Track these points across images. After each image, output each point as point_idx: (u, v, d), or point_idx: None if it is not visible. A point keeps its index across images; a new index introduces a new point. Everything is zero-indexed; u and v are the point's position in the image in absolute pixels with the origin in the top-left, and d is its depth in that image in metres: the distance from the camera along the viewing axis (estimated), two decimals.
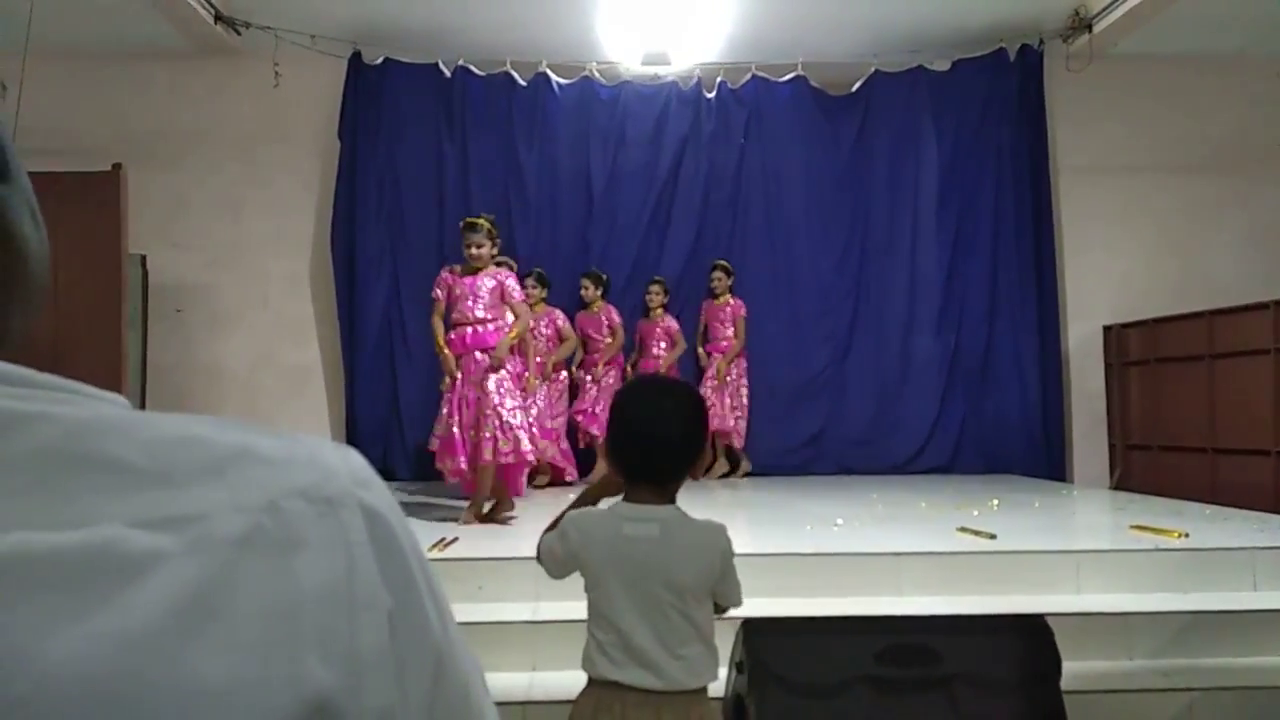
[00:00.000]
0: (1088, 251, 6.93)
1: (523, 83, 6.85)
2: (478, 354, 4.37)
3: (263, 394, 6.47)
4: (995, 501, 4.97)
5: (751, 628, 2.23)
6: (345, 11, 6.35)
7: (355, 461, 0.46)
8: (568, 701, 2.61)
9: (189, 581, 0.36)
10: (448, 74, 6.82)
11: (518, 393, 4.51)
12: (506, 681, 2.80)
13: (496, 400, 4.29)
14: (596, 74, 6.90)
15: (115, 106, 6.66)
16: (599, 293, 6.27)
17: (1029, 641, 2.28)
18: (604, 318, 6.27)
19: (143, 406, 6.48)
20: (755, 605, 1.96)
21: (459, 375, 4.38)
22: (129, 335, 5.14)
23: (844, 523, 4.23)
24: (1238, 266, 6.71)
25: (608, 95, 6.91)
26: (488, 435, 4.24)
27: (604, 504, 1.78)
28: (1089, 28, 6.55)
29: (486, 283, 4.46)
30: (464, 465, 4.32)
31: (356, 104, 6.72)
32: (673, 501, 1.69)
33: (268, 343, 6.53)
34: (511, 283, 4.55)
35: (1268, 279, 6.21)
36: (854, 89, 6.99)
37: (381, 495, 0.46)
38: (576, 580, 1.73)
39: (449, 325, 4.50)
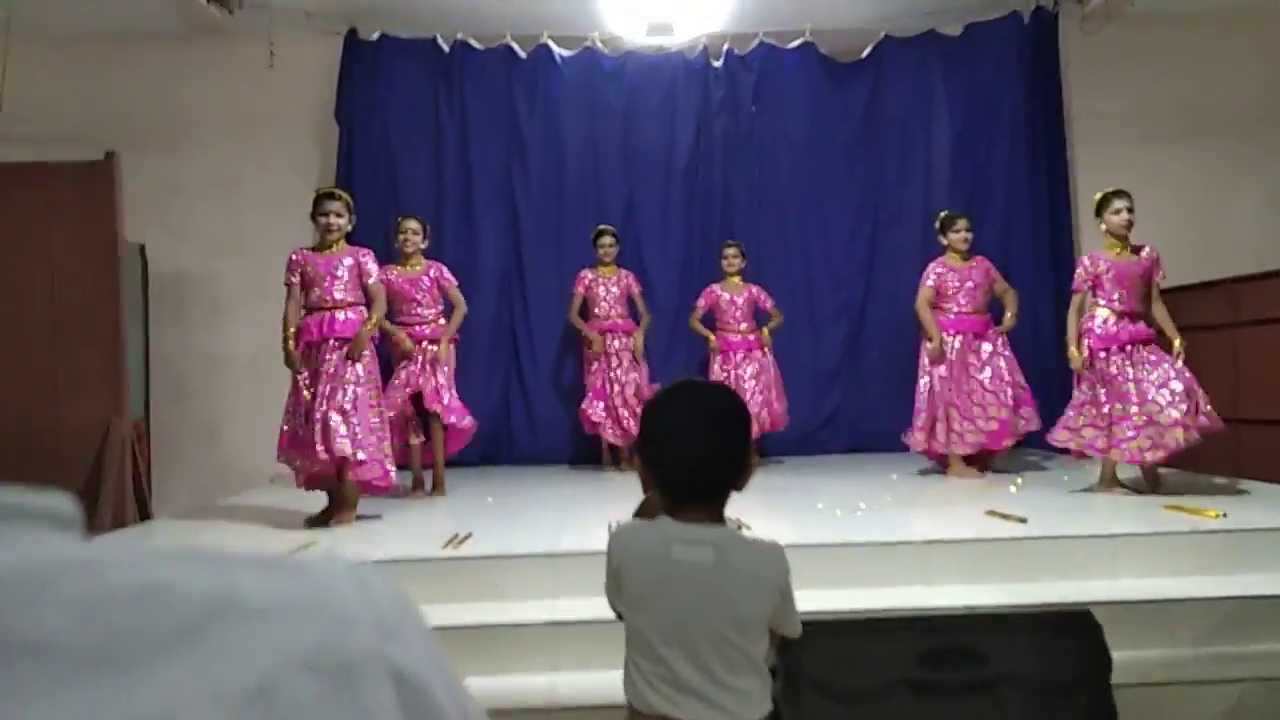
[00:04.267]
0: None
1: (523, 55, 6.68)
2: (332, 341, 4.11)
3: (268, 383, 6.33)
4: (1017, 483, 4.85)
5: None
6: None
7: (379, 596, 0.34)
8: (592, 707, 2.54)
9: None
10: (446, 48, 6.64)
11: (373, 396, 4.20)
12: (525, 686, 2.71)
13: (353, 397, 4.04)
14: (600, 45, 6.72)
15: (105, 90, 6.51)
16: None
17: (1077, 639, 2.17)
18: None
19: (146, 399, 6.43)
20: None
21: (304, 369, 4.11)
22: (129, 326, 5.04)
23: (867, 507, 4.12)
24: (1259, 232, 6.54)
25: (612, 66, 6.73)
26: (338, 428, 3.97)
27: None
28: None
29: (344, 261, 4.22)
30: (320, 464, 4.04)
31: (353, 81, 6.55)
32: (722, 520, 1.55)
33: (270, 330, 6.36)
34: (370, 262, 4.29)
35: None
36: (864, 55, 6.81)
37: (416, 645, 0.33)
38: (597, 576, 1.59)
39: (307, 309, 4.23)
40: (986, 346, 5.26)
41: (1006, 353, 5.29)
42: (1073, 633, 2.18)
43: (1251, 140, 6.74)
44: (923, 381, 5.33)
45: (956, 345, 5.25)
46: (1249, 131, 6.73)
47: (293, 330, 4.18)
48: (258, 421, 6.53)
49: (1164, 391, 4.22)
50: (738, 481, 1.53)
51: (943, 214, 5.55)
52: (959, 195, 6.50)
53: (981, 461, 5.30)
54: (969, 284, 5.34)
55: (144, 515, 4.71)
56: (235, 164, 6.64)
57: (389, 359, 5.15)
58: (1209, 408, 4.24)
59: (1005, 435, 5.17)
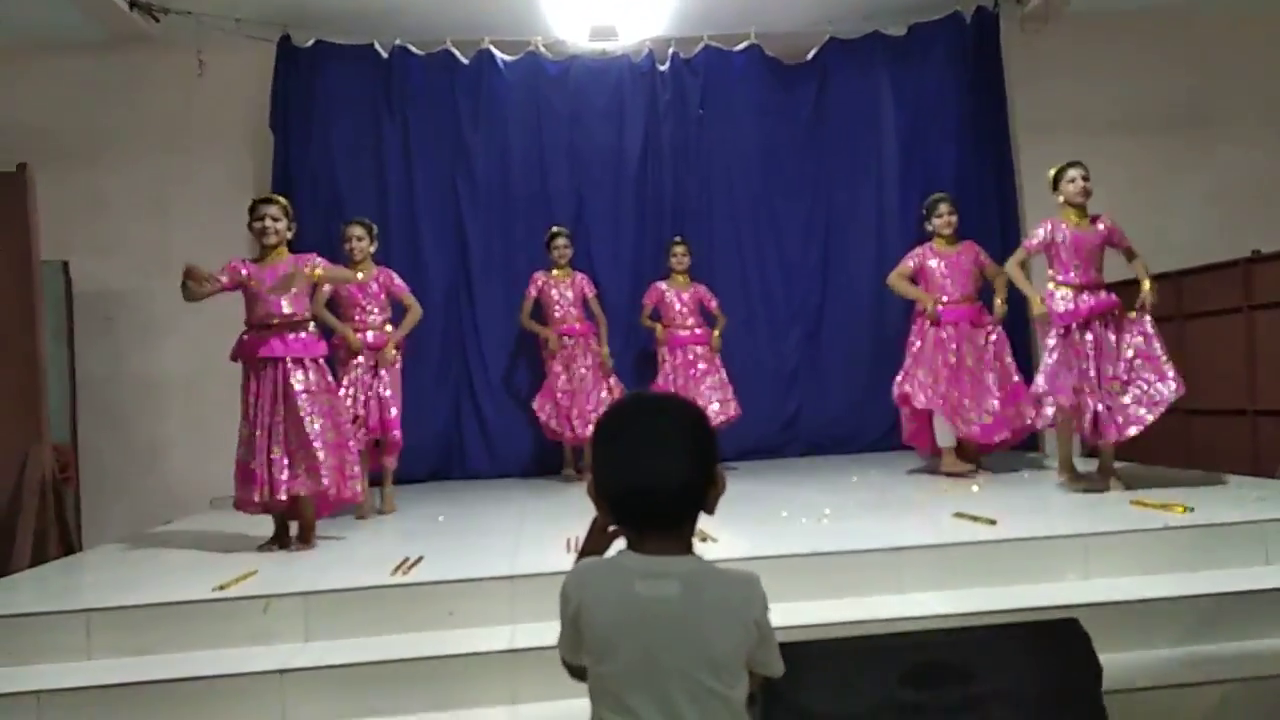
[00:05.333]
0: (1050, 215, 6.77)
1: (465, 61, 6.51)
2: (289, 362, 3.82)
3: (205, 402, 6.08)
4: (976, 486, 4.80)
5: None
6: None
7: None
8: None
9: None
10: (384, 54, 6.45)
11: (327, 403, 3.92)
12: (483, 719, 2.54)
13: (314, 428, 3.79)
14: (543, 49, 6.58)
15: (23, 104, 6.21)
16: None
17: (1065, 649, 2.08)
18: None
19: (73, 423, 6.11)
20: None
21: (257, 388, 3.82)
22: (50, 347, 4.75)
23: (832, 513, 4.03)
24: (1199, 226, 6.62)
25: (556, 71, 6.60)
26: (300, 465, 3.78)
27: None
28: None
29: (287, 271, 3.94)
30: (266, 498, 3.81)
31: (288, 90, 6.32)
32: (690, 549, 1.39)
33: (208, 347, 6.07)
34: (318, 262, 4.04)
35: (1229, 238, 6.13)
36: (809, 57, 6.76)
37: None
38: (558, 598, 1.42)
39: (249, 326, 3.93)
40: (980, 339, 5.18)
41: (1006, 354, 5.21)
42: (1060, 643, 2.09)
43: (1186, 138, 6.84)
44: (903, 379, 5.20)
45: (949, 334, 5.13)
46: (1184, 130, 6.83)
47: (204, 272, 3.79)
48: (196, 443, 6.25)
49: (1122, 377, 4.27)
50: (705, 504, 1.38)
51: (927, 200, 5.45)
52: (911, 193, 6.47)
53: (972, 457, 5.21)
54: (957, 271, 5.22)
55: (68, 549, 4.42)
56: (164, 177, 6.38)
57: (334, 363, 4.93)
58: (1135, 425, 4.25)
59: (999, 431, 5.05)
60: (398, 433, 4.88)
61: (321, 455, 3.80)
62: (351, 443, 4.01)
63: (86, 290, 6.23)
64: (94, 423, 6.23)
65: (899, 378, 5.24)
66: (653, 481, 1.34)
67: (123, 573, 3.66)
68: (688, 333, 5.96)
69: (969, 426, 5.02)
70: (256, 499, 3.81)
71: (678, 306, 5.98)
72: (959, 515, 3.70)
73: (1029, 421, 5.01)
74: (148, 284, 6.30)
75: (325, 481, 3.81)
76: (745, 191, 6.69)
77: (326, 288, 4.66)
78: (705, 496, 1.37)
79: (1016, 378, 5.15)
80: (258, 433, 3.81)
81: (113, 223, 6.33)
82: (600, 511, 1.42)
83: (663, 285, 6.05)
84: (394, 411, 4.85)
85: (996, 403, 5.04)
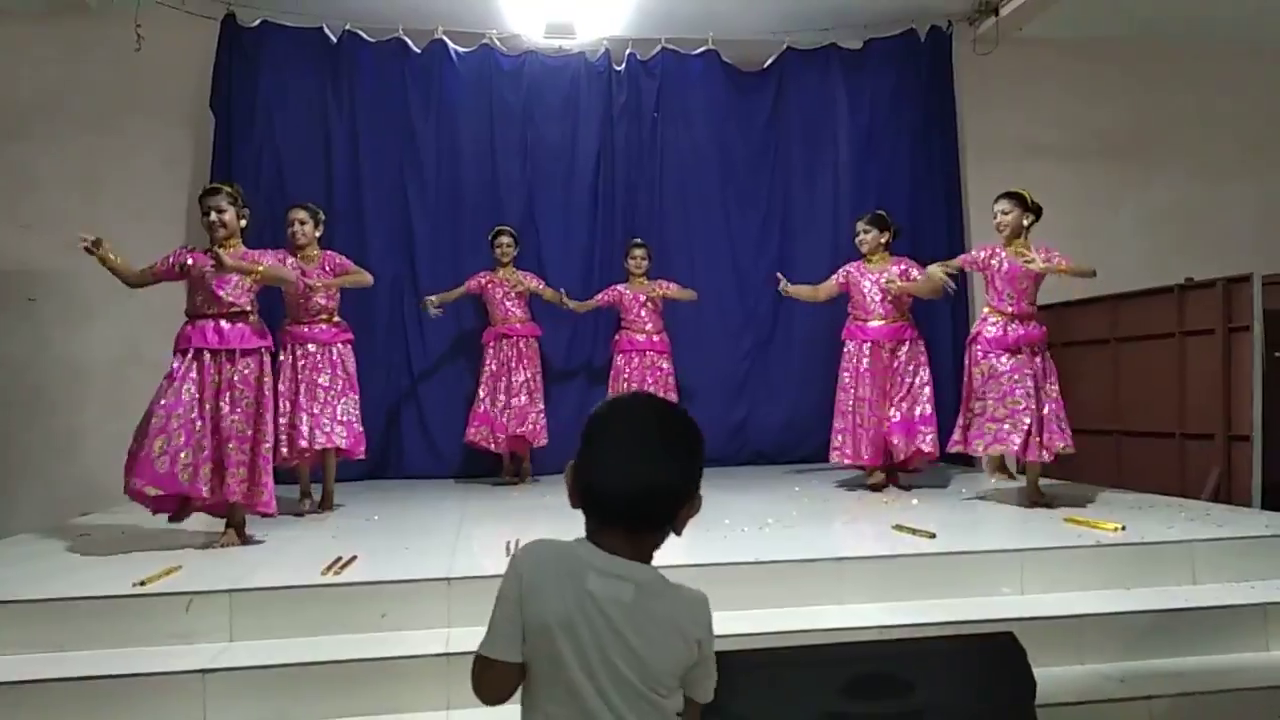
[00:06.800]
0: (993, 235, 6.90)
1: (417, 50, 6.39)
2: (228, 354, 3.66)
3: (130, 390, 5.81)
4: (915, 499, 4.84)
5: None
6: None
7: None
8: None
9: None
10: (334, 39, 6.29)
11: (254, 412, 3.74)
12: None
13: (241, 426, 3.63)
14: (497, 43, 6.50)
15: None
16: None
17: (1001, 663, 2.08)
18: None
19: None
20: None
21: (187, 381, 3.64)
22: None
23: (774, 522, 4.03)
24: (1136, 250, 6.80)
25: (510, 66, 6.51)
26: (236, 461, 3.64)
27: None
28: (995, 11, 6.54)
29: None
30: (175, 497, 3.66)
31: (231, 71, 6.12)
32: (650, 559, 1.36)
33: (135, 334, 5.92)
34: (264, 264, 3.85)
35: (1164, 263, 6.29)
36: (766, 65, 6.79)
37: None
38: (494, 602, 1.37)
39: (190, 316, 3.78)
40: (896, 360, 5.19)
41: (924, 374, 5.24)
42: (997, 657, 2.09)
43: (1127, 162, 7.05)
44: (841, 397, 5.22)
45: (866, 352, 5.16)
46: (1125, 153, 7.04)
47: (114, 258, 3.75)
48: (120, 432, 5.96)
49: (1041, 405, 4.35)
50: (676, 521, 1.35)
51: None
52: (863, 204, 6.51)
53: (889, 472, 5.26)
54: (879, 290, 5.19)
55: None
56: (97, 154, 6.14)
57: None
58: (1062, 440, 4.34)
59: (904, 450, 5.07)
60: (343, 444, 4.83)
61: (236, 454, 3.66)
62: (265, 446, 3.76)
63: (8, 269, 5.97)
64: (11, 408, 5.98)
65: (833, 438, 5.24)
66: (632, 482, 1.31)
67: (37, 565, 3.50)
68: (644, 337, 5.89)
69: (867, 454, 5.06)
70: (200, 500, 3.67)
71: (636, 309, 5.91)
72: (899, 528, 3.72)
73: (904, 457, 5.08)
74: (74, 264, 6.00)
75: (235, 484, 3.66)
76: (699, 196, 6.69)
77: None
78: (679, 513, 1.35)
79: (924, 409, 5.14)
80: (190, 425, 3.63)
81: (40, 199, 6.07)
82: (570, 496, 1.37)
83: (621, 286, 5.99)
84: (346, 425, 4.83)
85: (891, 424, 5.04)
